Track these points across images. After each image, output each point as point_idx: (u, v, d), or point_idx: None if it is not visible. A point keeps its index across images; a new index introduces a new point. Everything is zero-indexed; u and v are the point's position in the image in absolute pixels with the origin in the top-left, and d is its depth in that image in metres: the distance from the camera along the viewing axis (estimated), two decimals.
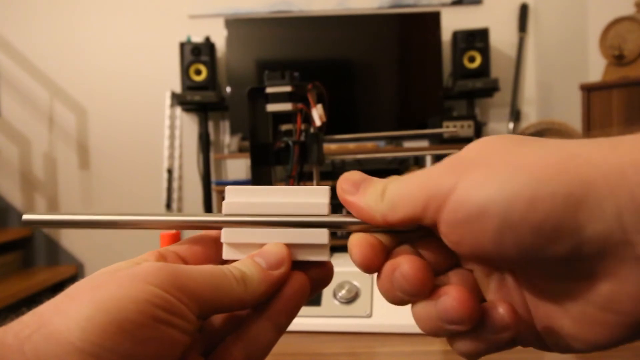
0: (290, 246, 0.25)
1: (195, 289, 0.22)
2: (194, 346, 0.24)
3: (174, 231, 0.69)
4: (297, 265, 0.25)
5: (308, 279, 0.25)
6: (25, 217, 0.25)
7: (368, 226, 0.24)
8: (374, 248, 0.23)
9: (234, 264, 0.25)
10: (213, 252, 0.27)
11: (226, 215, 0.26)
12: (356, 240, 0.23)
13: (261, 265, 0.24)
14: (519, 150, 0.20)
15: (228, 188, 0.26)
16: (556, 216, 0.18)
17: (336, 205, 0.24)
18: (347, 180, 0.24)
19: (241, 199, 0.26)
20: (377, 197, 0.23)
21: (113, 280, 0.21)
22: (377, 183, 0.24)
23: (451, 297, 0.21)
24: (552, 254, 0.19)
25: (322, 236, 0.25)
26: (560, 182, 0.18)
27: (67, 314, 0.20)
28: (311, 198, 0.26)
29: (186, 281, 0.22)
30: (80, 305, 0.20)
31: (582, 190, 0.18)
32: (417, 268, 0.22)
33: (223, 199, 0.26)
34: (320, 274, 0.26)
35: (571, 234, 0.18)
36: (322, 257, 0.25)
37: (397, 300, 0.23)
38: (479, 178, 0.20)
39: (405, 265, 0.22)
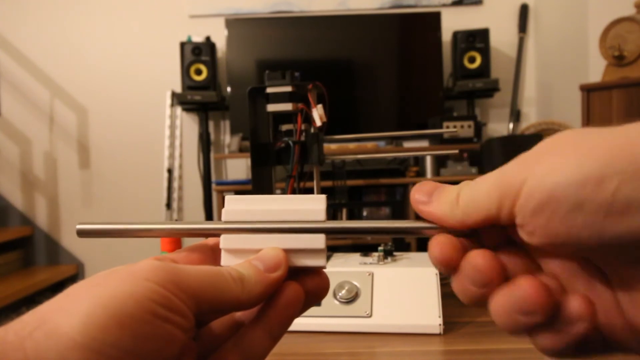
0: (287, 252, 0.25)
1: (193, 286, 0.22)
2: (189, 354, 0.24)
3: None
4: (293, 277, 0.26)
5: (302, 288, 0.26)
6: (79, 226, 0.26)
7: (441, 230, 0.24)
8: (455, 246, 0.23)
9: (232, 266, 0.25)
10: (210, 260, 0.27)
11: (225, 222, 0.26)
12: (437, 239, 0.24)
13: (258, 268, 0.25)
14: (588, 137, 0.20)
15: (228, 197, 0.27)
16: (626, 193, 0.18)
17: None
18: (419, 190, 0.25)
19: (240, 206, 0.27)
20: (452, 203, 0.23)
21: (112, 278, 0.21)
22: (450, 190, 0.24)
23: (524, 286, 0.21)
24: (625, 232, 0.19)
25: (318, 241, 0.25)
26: (628, 160, 0.18)
27: (68, 311, 0.20)
28: (308, 205, 0.26)
29: (184, 278, 0.22)
30: (81, 302, 0.20)
31: None
32: (486, 257, 0.22)
33: (224, 199, 0.27)
34: (316, 285, 0.26)
35: None
36: (319, 262, 0.26)
37: (471, 295, 0.23)
38: (549, 166, 0.20)
39: (474, 256, 0.22)
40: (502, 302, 0.22)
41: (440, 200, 0.24)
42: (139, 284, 0.21)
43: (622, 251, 0.20)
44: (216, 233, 0.26)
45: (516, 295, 0.21)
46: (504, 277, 0.22)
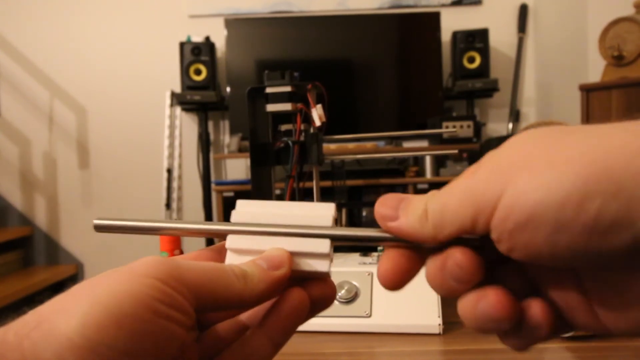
0: (292, 255, 0.25)
1: (194, 280, 0.22)
2: (191, 355, 0.24)
3: None
4: (299, 284, 0.26)
5: (307, 295, 0.25)
6: (96, 222, 0.27)
7: (409, 244, 0.24)
8: (405, 267, 0.23)
9: (235, 264, 0.25)
10: (219, 260, 0.27)
11: (234, 224, 0.26)
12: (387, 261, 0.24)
13: (262, 266, 0.25)
14: (560, 146, 0.20)
15: (239, 201, 0.27)
16: (609, 214, 0.18)
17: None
18: (384, 204, 0.24)
19: (250, 209, 0.27)
20: (421, 218, 0.22)
21: (112, 276, 0.21)
22: (417, 202, 0.23)
23: (491, 297, 0.21)
24: (608, 250, 0.18)
25: (323, 246, 0.25)
26: (608, 179, 0.18)
27: (67, 311, 0.20)
28: (316, 211, 0.26)
29: (185, 272, 0.22)
30: (80, 302, 0.20)
31: (633, 184, 0.18)
32: (469, 255, 0.22)
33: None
34: (322, 293, 0.26)
35: (627, 228, 0.18)
36: (323, 267, 0.26)
37: (448, 289, 0.23)
38: (526, 182, 0.19)
39: (457, 254, 0.22)
40: (470, 306, 0.22)
41: (408, 215, 0.23)
42: (138, 281, 0.21)
43: (603, 262, 0.19)
44: (224, 233, 0.26)
45: (482, 304, 0.21)
46: (481, 277, 0.22)
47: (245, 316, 0.27)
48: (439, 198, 0.22)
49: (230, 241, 0.26)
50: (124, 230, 0.27)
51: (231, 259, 0.26)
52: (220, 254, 0.27)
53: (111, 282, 0.21)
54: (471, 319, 0.22)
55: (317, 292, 0.26)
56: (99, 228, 0.27)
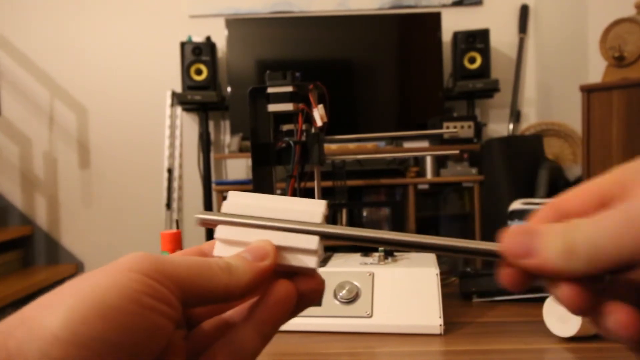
0: (280, 249, 0.26)
1: (179, 273, 0.22)
2: (179, 353, 0.24)
3: (174, 230, 0.69)
4: (286, 277, 0.26)
5: (295, 288, 0.25)
6: (199, 216, 0.26)
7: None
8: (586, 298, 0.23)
9: (219, 257, 0.25)
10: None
11: (224, 214, 0.26)
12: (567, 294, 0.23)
13: (246, 258, 0.25)
14: None
15: (231, 192, 0.27)
16: None
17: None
18: (513, 241, 0.22)
19: (241, 200, 0.27)
20: (564, 253, 0.21)
21: (96, 273, 0.21)
22: (554, 236, 0.22)
23: (615, 318, 0.21)
24: None
25: (311, 242, 0.25)
26: None
27: (50, 307, 0.20)
28: (308, 206, 0.26)
29: (169, 266, 0.22)
30: (63, 298, 0.20)
31: None
32: (574, 292, 0.21)
33: (224, 199, 0.27)
34: (310, 287, 0.26)
35: None
36: (310, 263, 0.26)
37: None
38: None
39: (563, 289, 0.21)
40: (596, 319, 0.22)
41: (547, 251, 0.22)
42: (122, 274, 0.21)
43: None
44: (214, 224, 0.26)
45: (611, 323, 0.21)
46: (591, 306, 0.22)
47: (231, 314, 0.28)
48: (587, 232, 0.21)
49: (220, 232, 0.26)
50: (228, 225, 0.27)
51: (220, 249, 0.26)
52: (205, 255, 0.27)
53: (96, 278, 0.21)
54: (598, 330, 0.22)
55: (305, 286, 0.26)
56: (203, 222, 0.27)
